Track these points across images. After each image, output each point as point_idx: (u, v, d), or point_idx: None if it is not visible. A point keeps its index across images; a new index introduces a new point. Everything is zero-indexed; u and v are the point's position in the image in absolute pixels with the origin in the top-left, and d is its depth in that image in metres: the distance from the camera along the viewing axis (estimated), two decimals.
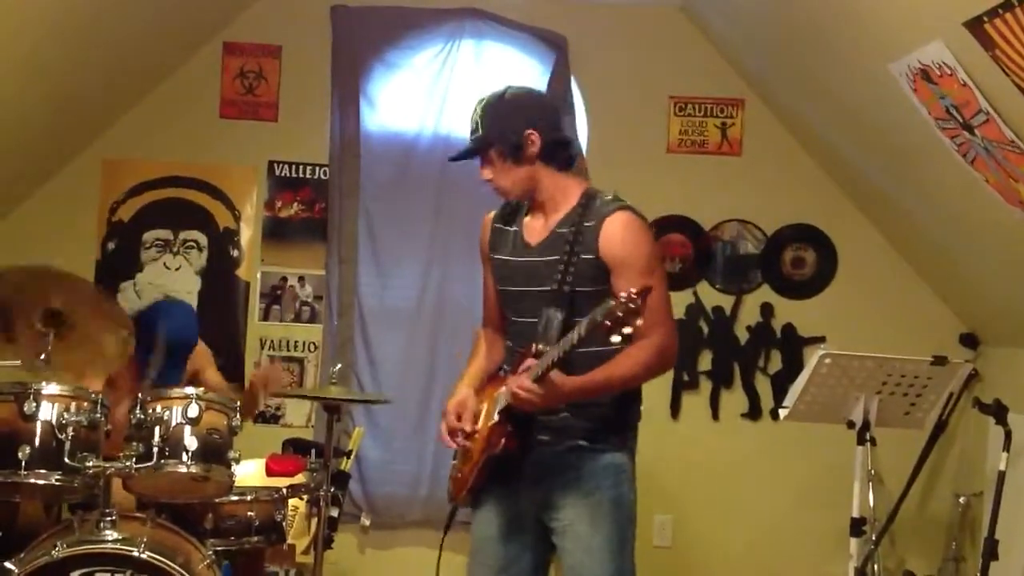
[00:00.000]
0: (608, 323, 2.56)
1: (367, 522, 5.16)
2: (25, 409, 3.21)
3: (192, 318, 4.49)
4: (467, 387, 3.15)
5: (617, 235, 2.93)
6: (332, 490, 4.04)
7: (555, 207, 3.03)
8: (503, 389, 2.94)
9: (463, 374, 3.26)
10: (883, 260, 5.30)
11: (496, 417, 2.96)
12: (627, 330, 2.55)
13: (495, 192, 3.10)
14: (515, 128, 2.97)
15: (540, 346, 2.89)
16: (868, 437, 3.74)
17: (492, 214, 3.25)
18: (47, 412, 3.24)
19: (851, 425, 3.76)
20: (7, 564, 3.15)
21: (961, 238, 4.61)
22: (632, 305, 2.54)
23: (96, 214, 5.30)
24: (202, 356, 4.32)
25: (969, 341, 5.10)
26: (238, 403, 3.59)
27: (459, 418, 3.05)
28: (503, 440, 2.93)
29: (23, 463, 3.16)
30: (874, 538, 4.06)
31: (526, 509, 3.03)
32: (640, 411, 3.10)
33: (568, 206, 3.02)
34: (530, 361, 2.84)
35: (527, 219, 3.11)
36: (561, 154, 3.04)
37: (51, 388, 3.28)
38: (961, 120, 3.68)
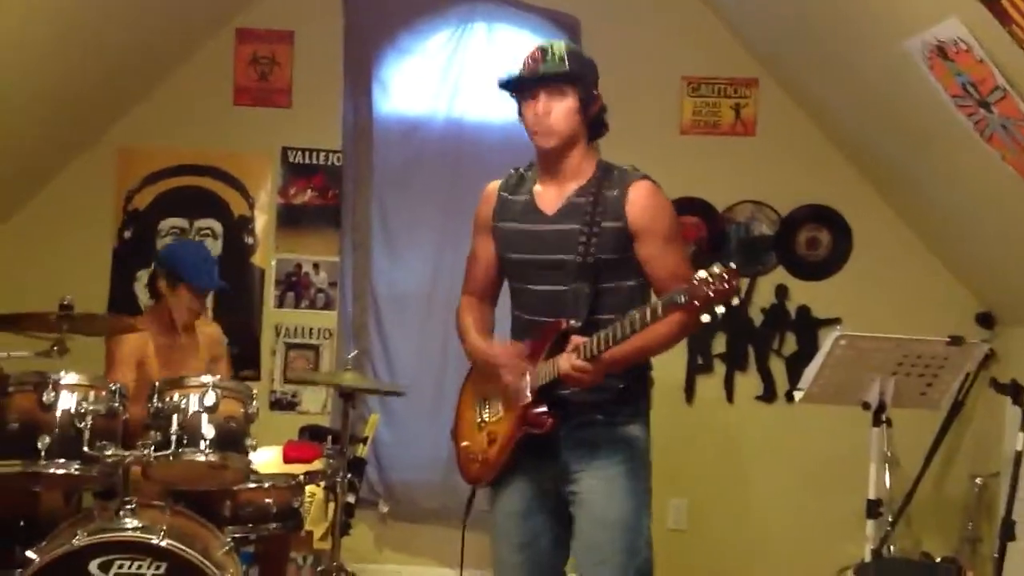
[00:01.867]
0: (697, 302, 2.58)
1: (385, 509, 5.19)
2: (44, 399, 3.24)
3: (202, 246, 4.61)
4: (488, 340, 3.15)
5: (642, 202, 2.95)
6: (349, 476, 4.06)
7: (572, 176, 3.03)
8: (543, 367, 2.93)
9: (474, 343, 3.20)
10: (898, 240, 5.28)
11: (529, 396, 2.95)
12: (720, 309, 2.58)
13: (539, 131, 3.01)
14: (593, 80, 3.02)
15: (573, 321, 2.91)
16: (884, 418, 3.72)
17: (496, 183, 3.22)
18: (66, 401, 3.27)
19: (867, 406, 3.74)
20: (28, 553, 3.18)
21: (977, 216, 4.59)
22: (726, 282, 2.57)
23: (112, 202, 5.32)
24: (219, 345, 4.35)
25: (985, 321, 5.08)
26: (254, 391, 3.61)
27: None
28: (549, 420, 2.92)
29: (42, 452, 3.19)
30: (890, 520, 4.05)
31: (547, 485, 3.03)
32: (652, 378, 3.10)
33: (585, 177, 3.01)
34: (577, 339, 2.84)
35: (538, 188, 3.09)
36: (602, 126, 3.07)
37: (70, 378, 3.31)
38: (978, 97, 3.66)
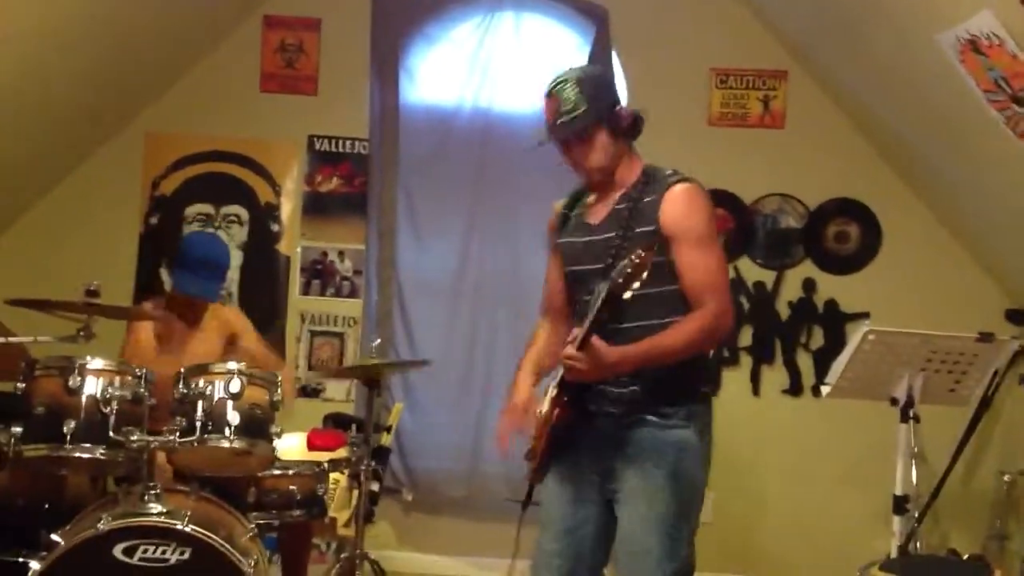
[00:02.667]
0: (620, 280, 2.64)
1: (409, 497, 5.19)
2: (70, 383, 3.25)
3: (218, 240, 4.53)
4: (527, 376, 3.17)
5: (675, 206, 2.93)
6: (373, 465, 4.07)
7: (617, 186, 3.04)
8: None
9: (521, 363, 3.26)
10: (928, 235, 5.23)
11: (554, 391, 2.99)
12: (635, 284, 2.63)
13: (583, 174, 3.07)
14: (615, 101, 3.01)
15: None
16: (912, 414, 3.70)
17: (560, 203, 3.25)
18: (92, 386, 3.28)
19: (894, 402, 3.72)
20: (53, 536, 3.20)
21: (1008, 212, 4.54)
22: (636, 260, 2.62)
23: (139, 188, 5.34)
24: (238, 321, 4.32)
25: (1016, 317, 5.03)
26: (279, 377, 3.61)
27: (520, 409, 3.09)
28: (556, 410, 2.96)
29: (68, 437, 3.20)
30: (917, 515, 4.02)
31: (591, 479, 3.03)
32: (708, 381, 3.12)
33: (628, 184, 3.03)
34: (575, 331, 2.86)
35: (589, 199, 3.13)
36: (637, 129, 3.05)
37: (96, 363, 3.32)
38: (1010, 92, 3.62)
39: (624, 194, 3.01)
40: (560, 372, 2.96)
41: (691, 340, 2.89)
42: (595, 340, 2.79)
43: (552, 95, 3.01)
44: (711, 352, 3.16)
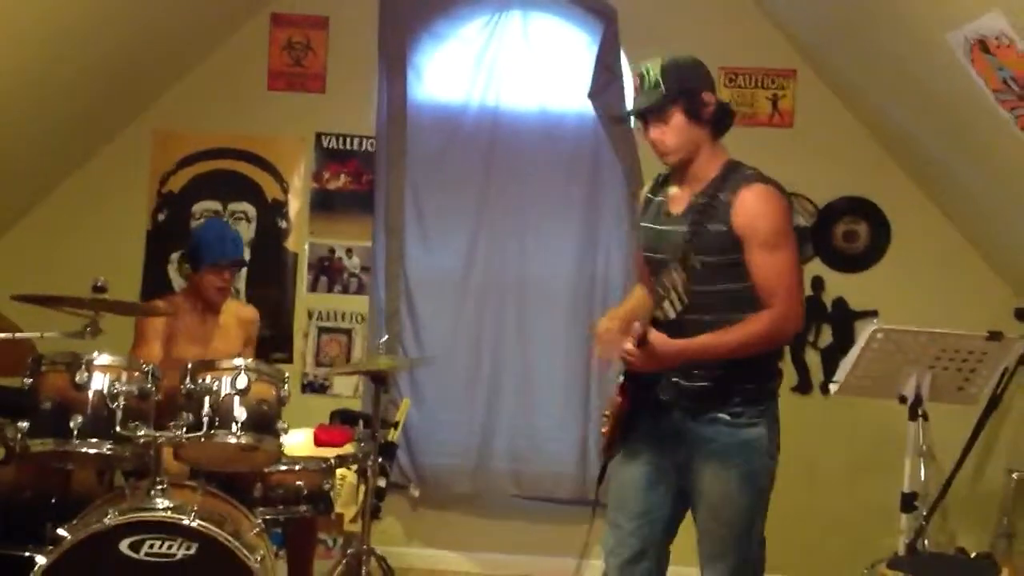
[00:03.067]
0: (657, 307, 2.85)
1: (416, 493, 5.19)
2: (77, 379, 3.26)
3: (228, 226, 4.59)
4: (614, 316, 3.26)
5: (747, 207, 3.00)
6: (380, 460, 4.07)
7: (702, 176, 3.11)
8: None
9: (618, 307, 3.38)
10: (937, 233, 5.22)
11: (621, 380, 3.17)
12: (666, 306, 2.82)
13: (659, 154, 3.14)
14: (697, 87, 3.08)
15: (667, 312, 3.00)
16: (920, 412, 3.69)
17: (647, 186, 3.34)
18: (99, 382, 3.29)
19: (903, 400, 3.72)
20: (60, 531, 3.20)
21: (1018, 210, 4.53)
22: (668, 285, 2.79)
23: (147, 185, 5.34)
24: (252, 328, 4.38)
25: None
26: (286, 374, 3.62)
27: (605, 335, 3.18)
28: (621, 400, 3.15)
29: (75, 432, 3.21)
30: (925, 513, 4.01)
31: (667, 468, 3.16)
32: (779, 378, 3.17)
33: (709, 178, 3.09)
34: (636, 324, 2.97)
35: (672, 189, 3.18)
36: (725, 121, 3.15)
37: (103, 358, 3.32)
38: (1019, 91, 3.61)
39: (704, 188, 3.08)
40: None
41: (748, 341, 2.97)
42: (652, 336, 2.92)
43: (639, 74, 3.13)
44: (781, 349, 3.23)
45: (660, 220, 3.17)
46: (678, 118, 3.06)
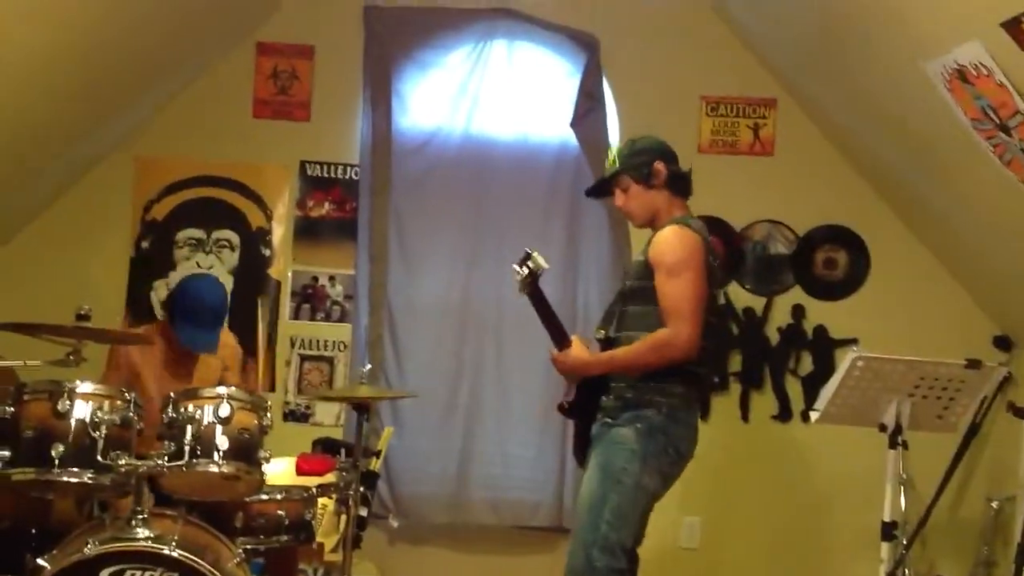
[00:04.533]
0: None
1: (395, 524, 5.16)
2: (59, 407, 3.24)
3: (214, 283, 4.40)
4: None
5: (659, 240, 3.59)
6: (361, 490, 4.05)
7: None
8: None
9: None
10: (916, 261, 5.26)
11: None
12: (516, 279, 3.64)
13: (626, 217, 3.86)
14: (646, 160, 3.72)
15: (602, 331, 3.75)
16: (900, 441, 3.71)
17: None
18: (81, 410, 3.27)
19: (883, 428, 3.73)
20: (40, 561, 3.18)
21: (996, 239, 4.57)
22: (516, 266, 3.61)
23: (130, 212, 5.34)
24: (230, 356, 4.37)
25: (1003, 344, 5.05)
26: (268, 403, 3.61)
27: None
28: (558, 407, 3.87)
29: (56, 461, 3.19)
30: (905, 542, 4.03)
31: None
32: (672, 398, 3.58)
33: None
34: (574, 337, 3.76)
35: None
36: (681, 184, 3.74)
37: (85, 387, 3.30)
38: (997, 121, 3.64)
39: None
40: None
41: (640, 353, 3.53)
42: (574, 346, 3.68)
43: (605, 157, 3.95)
44: (681, 370, 3.61)
45: None
46: (634, 187, 3.71)
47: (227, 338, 4.38)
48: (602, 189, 3.88)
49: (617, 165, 3.75)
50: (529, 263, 3.61)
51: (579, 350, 3.69)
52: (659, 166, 3.70)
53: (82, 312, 3.38)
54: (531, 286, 3.64)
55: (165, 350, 4.15)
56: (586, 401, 3.72)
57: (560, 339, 3.73)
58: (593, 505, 3.53)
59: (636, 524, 3.57)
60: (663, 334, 3.50)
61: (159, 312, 5.14)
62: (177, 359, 4.16)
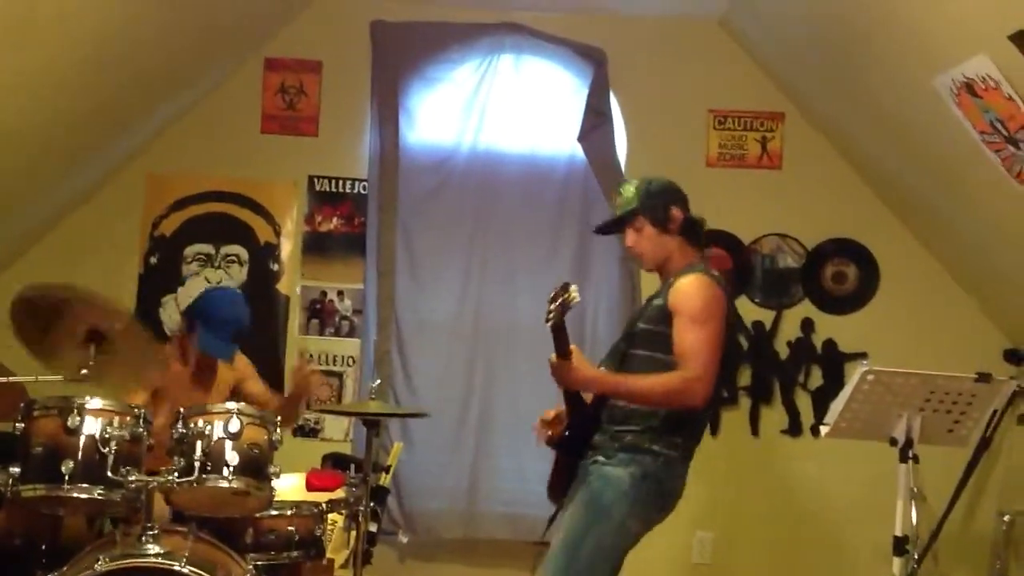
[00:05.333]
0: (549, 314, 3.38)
1: (405, 539, 5.14)
2: (69, 423, 3.23)
3: (237, 296, 4.47)
4: None
5: (681, 287, 3.48)
6: (371, 505, 4.05)
7: (670, 275, 3.59)
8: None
9: None
10: (926, 275, 5.25)
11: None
12: (551, 308, 3.37)
13: (634, 258, 3.72)
14: (663, 203, 3.60)
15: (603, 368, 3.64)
16: (911, 455, 3.69)
17: None
18: (91, 426, 3.25)
19: (893, 442, 3.71)
20: None
21: (1006, 252, 4.56)
22: (552, 294, 3.37)
23: (139, 228, 5.36)
24: (244, 367, 4.40)
25: (1014, 357, 5.03)
26: (279, 418, 3.61)
27: None
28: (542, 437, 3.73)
29: (66, 477, 3.18)
30: (917, 557, 4.01)
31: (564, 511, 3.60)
32: (672, 450, 3.49)
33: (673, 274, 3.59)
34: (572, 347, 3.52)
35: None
36: (695, 232, 3.64)
37: (95, 403, 3.29)
38: (1006, 134, 3.64)
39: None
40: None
41: (654, 388, 3.40)
42: (575, 355, 3.46)
43: (616, 191, 3.70)
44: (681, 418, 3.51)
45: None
46: (648, 229, 3.59)
47: (237, 361, 4.42)
48: (614, 227, 3.73)
49: (635, 204, 3.60)
50: (565, 295, 3.36)
51: (584, 363, 3.49)
52: (676, 212, 3.59)
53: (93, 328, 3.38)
54: (560, 317, 3.41)
55: (184, 366, 4.17)
56: (576, 438, 3.59)
57: (564, 351, 3.51)
58: (571, 542, 3.43)
59: (612, 566, 3.50)
60: (678, 380, 3.38)
61: (168, 328, 5.15)
62: (196, 372, 4.18)
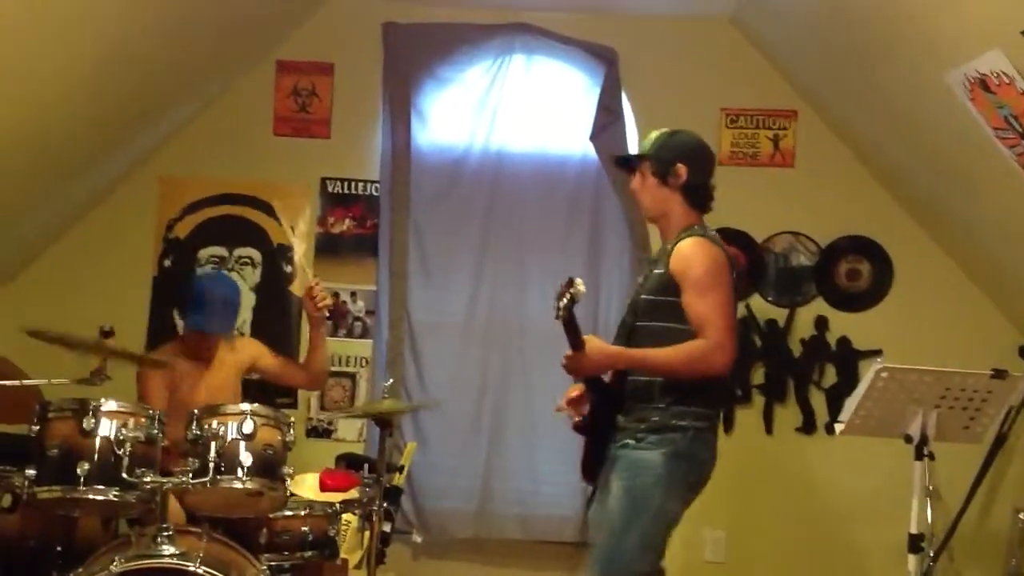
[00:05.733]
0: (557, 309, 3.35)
1: (419, 539, 5.15)
2: (84, 425, 3.26)
3: (225, 278, 4.77)
4: None
5: (681, 253, 3.44)
6: (385, 505, 4.06)
7: (670, 235, 3.57)
8: None
9: None
10: (940, 271, 5.23)
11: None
12: (561, 302, 3.33)
13: (636, 201, 3.73)
14: (671, 157, 3.57)
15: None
16: (926, 452, 3.68)
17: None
18: (106, 428, 3.28)
19: (908, 440, 3.70)
20: None
21: (1020, 248, 4.54)
22: (560, 288, 3.33)
23: (153, 231, 5.37)
24: (254, 346, 4.50)
25: None
26: (291, 419, 3.62)
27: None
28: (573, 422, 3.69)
29: (82, 479, 3.21)
30: (932, 554, 3.99)
31: (600, 496, 3.59)
32: (699, 420, 3.48)
33: (672, 236, 3.56)
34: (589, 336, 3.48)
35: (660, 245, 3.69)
36: (700, 196, 3.59)
37: (109, 405, 3.32)
38: (1020, 129, 3.63)
39: (667, 242, 3.56)
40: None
41: (678, 358, 3.37)
42: (589, 342, 3.42)
43: (645, 134, 3.71)
44: (700, 387, 3.49)
45: (643, 269, 3.78)
46: (651, 178, 3.58)
47: (243, 344, 4.56)
48: (627, 164, 3.72)
49: (646, 149, 3.62)
50: (571, 290, 3.33)
51: (600, 344, 3.46)
52: (681, 168, 3.55)
53: (106, 329, 3.40)
54: (569, 312, 3.38)
55: (183, 362, 4.25)
56: (600, 419, 3.59)
57: (577, 344, 3.47)
58: (617, 530, 3.42)
59: (660, 550, 3.48)
60: (701, 346, 3.35)
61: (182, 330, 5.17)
62: (196, 353, 4.30)
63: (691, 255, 3.42)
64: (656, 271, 3.51)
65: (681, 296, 3.41)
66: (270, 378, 4.64)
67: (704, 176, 3.61)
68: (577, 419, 3.66)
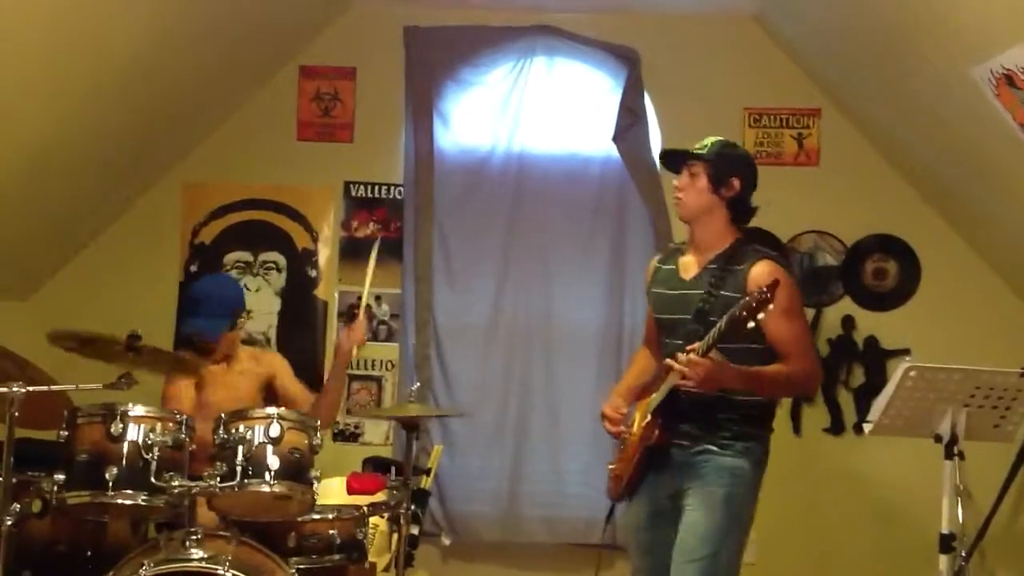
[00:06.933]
0: (744, 313, 3.10)
1: (447, 541, 5.14)
2: (112, 430, 3.28)
3: (226, 279, 4.76)
4: (618, 394, 3.75)
5: (762, 278, 3.31)
6: (412, 508, 4.06)
7: (710, 247, 3.53)
8: (657, 394, 3.46)
9: (619, 384, 3.86)
10: (968, 269, 5.20)
11: (649, 417, 3.47)
12: (760, 315, 3.09)
13: (676, 203, 3.60)
14: (729, 168, 3.53)
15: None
16: (956, 451, 3.65)
17: (656, 257, 3.80)
18: (134, 433, 3.30)
19: (938, 439, 3.67)
20: None
21: None
22: (763, 295, 3.08)
23: (179, 237, 5.41)
24: (275, 362, 4.41)
25: None
26: (318, 422, 3.63)
27: (616, 416, 3.65)
28: (656, 432, 3.45)
29: (110, 483, 3.22)
30: (964, 554, 3.95)
31: (664, 501, 3.51)
32: (769, 427, 3.56)
33: (720, 248, 3.52)
34: (690, 347, 3.29)
35: (683, 258, 3.62)
36: (744, 212, 3.58)
37: (137, 409, 3.34)
38: None
39: (716, 256, 3.50)
40: (654, 400, 3.46)
41: (786, 380, 3.41)
42: (716, 354, 3.25)
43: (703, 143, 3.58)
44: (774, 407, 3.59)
45: (674, 285, 3.57)
46: (703, 181, 3.50)
47: (267, 357, 4.45)
48: (676, 159, 3.58)
49: (705, 152, 3.52)
50: (762, 314, 3.10)
51: (723, 357, 3.30)
52: (736, 182, 3.51)
53: (133, 334, 3.42)
54: (744, 323, 3.15)
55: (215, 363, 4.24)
56: (671, 430, 3.47)
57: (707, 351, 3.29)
58: (716, 538, 3.37)
59: (741, 560, 3.52)
60: (800, 373, 3.42)
61: None
62: (214, 374, 4.23)
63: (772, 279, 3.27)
64: (726, 292, 3.39)
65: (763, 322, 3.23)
66: (278, 399, 4.36)
67: (750, 194, 3.60)
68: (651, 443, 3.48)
